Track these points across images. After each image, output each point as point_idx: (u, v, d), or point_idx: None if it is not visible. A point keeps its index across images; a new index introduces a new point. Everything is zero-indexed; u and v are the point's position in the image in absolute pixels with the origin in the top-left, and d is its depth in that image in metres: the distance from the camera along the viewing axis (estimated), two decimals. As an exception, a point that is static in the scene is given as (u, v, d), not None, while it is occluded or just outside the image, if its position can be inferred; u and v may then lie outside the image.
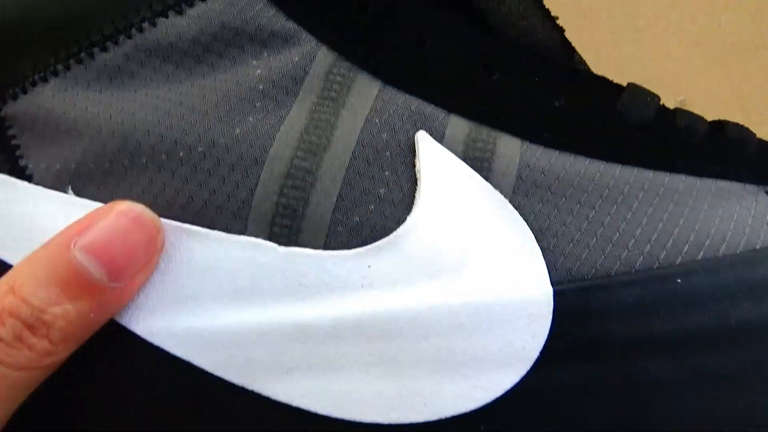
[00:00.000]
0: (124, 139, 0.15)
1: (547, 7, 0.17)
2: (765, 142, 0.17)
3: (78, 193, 0.16)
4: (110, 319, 0.15)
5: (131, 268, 0.14)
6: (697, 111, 0.28)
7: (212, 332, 0.15)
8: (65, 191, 0.16)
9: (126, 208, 0.14)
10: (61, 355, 0.14)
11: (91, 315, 0.14)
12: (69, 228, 0.14)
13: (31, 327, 0.13)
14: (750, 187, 0.16)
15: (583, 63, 0.17)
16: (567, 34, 0.26)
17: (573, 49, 0.17)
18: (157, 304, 0.15)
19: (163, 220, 0.15)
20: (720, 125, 0.17)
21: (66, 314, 0.13)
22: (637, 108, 0.16)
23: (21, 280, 0.13)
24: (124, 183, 0.15)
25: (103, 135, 0.15)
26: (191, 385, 0.15)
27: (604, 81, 0.17)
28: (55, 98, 0.16)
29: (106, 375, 0.15)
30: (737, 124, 0.17)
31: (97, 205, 0.15)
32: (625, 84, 0.17)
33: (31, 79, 0.16)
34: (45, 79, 0.16)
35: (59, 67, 0.16)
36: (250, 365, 0.15)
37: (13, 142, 0.16)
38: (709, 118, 0.28)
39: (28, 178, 0.16)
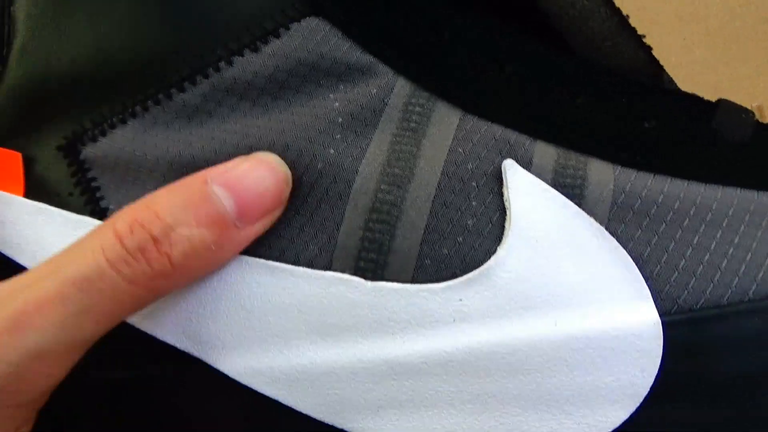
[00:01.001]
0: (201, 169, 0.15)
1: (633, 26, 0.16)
2: None
3: (160, 233, 0.15)
4: (197, 359, 0.15)
5: (257, 211, 0.14)
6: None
7: (300, 370, 0.14)
8: (148, 231, 0.15)
9: (264, 157, 0.15)
10: (173, 282, 0.14)
11: (212, 247, 0.14)
12: (209, 169, 0.15)
13: (156, 241, 0.13)
14: None
15: (672, 82, 0.17)
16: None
17: (661, 68, 0.16)
18: (243, 342, 0.15)
19: (248, 258, 0.15)
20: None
21: (191, 238, 0.14)
22: (733, 125, 0.16)
23: (157, 200, 0.14)
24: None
25: (180, 171, 0.15)
26: (280, 426, 0.15)
27: (695, 99, 0.16)
28: (134, 140, 0.16)
29: (193, 414, 0.15)
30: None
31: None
32: (710, 99, 0.17)
33: (110, 121, 0.16)
34: (124, 121, 0.16)
35: (138, 108, 0.16)
36: (341, 403, 0.14)
37: (94, 183, 0.16)
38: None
39: (110, 219, 0.16)
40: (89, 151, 0.16)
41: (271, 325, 0.14)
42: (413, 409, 0.14)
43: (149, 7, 0.16)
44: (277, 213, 0.15)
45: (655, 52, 0.26)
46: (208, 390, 0.15)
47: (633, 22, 0.27)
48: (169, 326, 0.15)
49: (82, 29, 0.17)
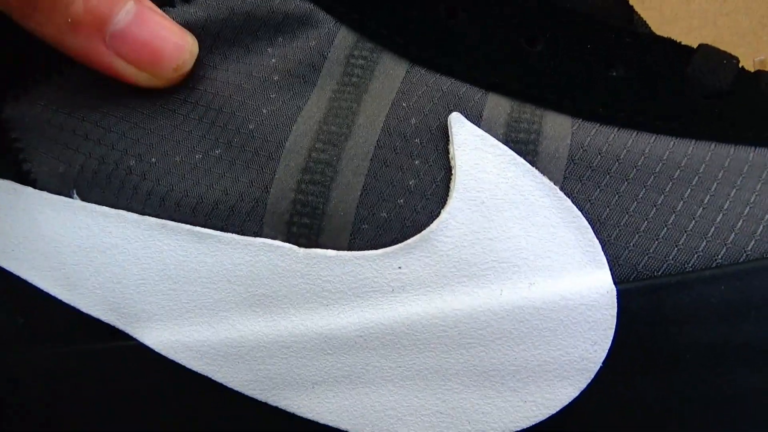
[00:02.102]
0: (133, 141, 0.14)
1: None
2: None
3: (83, 197, 0.14)
4: (121, 331, 0.14)
5: (138, 52, 0.14)
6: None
7: (230, 344, 0.13)
8: (71, 196, 0.14)
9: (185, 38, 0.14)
10: None
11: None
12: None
13: None
14: None
15: (645, 25, 0.15)
16: None
17: (632, 9, 0.15)
18: (169, 313, 0.14)
19: (172, 224, 0.14)
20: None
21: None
22: (710, 73, 0.14)
23: None
24: (128, 185, 0.14)
25: (108, 137, 0.14)
26: (211, 403, 0.14)
27: (670, 44, 0.15)
28: (55, 98, 0.15)
29: (121, 391, 0.14)
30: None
31: (104, 209, 0.14)
32: (695, 46, 0.15)
33: (30, 78, 0.15)
34: (48, 77, 0.15)
35: (62, 66, 0.15)
36: (273, 380, 0.13)
37: (16, 144, 0.15)
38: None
39: (32, 183, 0.15)
40: (10, 110, 0.15)
41: (198, 296, 0.13)
42: (350, 386, 0.13)
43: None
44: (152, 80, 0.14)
45: (649, 4, 0.25)
46: (135, 365, 0.14)
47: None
48: (91, 298, 0.14)
49: None
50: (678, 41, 0.15)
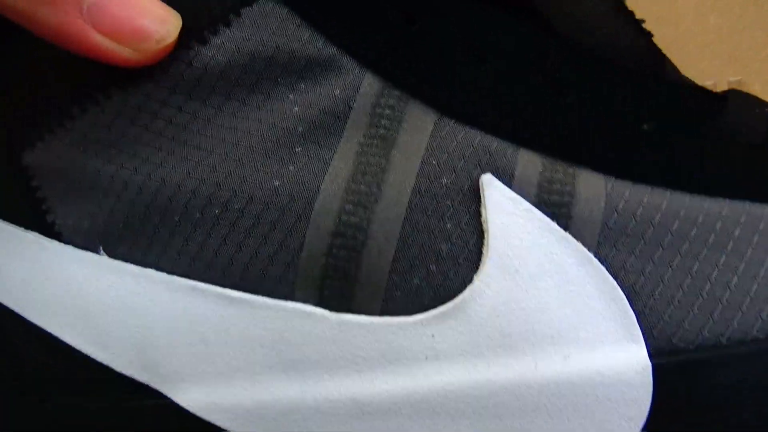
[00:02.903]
0: (154, 195, 0.14)
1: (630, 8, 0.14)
2: None
3: (110, 254, 0.14)
4: (157, 392, 0.14)
5: (115, 25, 0.13)
6: None
7: (265, 407, 0.13)
8: (97, 252, 0.14)
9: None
10: None
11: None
12: None
13: None
14: None
15: (676, 71, 0.14)
16: (645, 7, 0.23)
17: (663, 57, 0.14)
18: (203, 376, 0.14)
19: (203, 286, 0.13)
20: None
21: None
22: (744, 125, 0.14)
23: None
24: (157, 244, 0.14)
25: (130, 191, 0.14)
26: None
27: (701, 92, 0.14)
28: (75, 146, 0.14)
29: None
30: None
31: (132, 268, 0.14)
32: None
33: (47, 124, 0.15)
34: (61, 124, 0.15)
35: (75, 110, 0.14)
36: (306, 440, 0.14)
37: (38, 194, 0.15)
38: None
39: (58, 236, 0.15)
40: (28, 157, 0.15)
41: (231, 359, 0.13)
42: (383, 449, 0.13)
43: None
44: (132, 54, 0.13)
45: (666, 19, 0.24)
46: (169, 423, 0.14)
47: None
48: (123, 357, 0.14)
49: (12, 34, 0.15)
50: (708, 89, 0.14)
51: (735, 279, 0.12)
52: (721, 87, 0.24)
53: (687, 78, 0.15)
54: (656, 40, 0.24)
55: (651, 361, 0.12)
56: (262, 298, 0.13)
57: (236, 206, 0.13)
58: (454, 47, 0.14)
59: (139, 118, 0.14)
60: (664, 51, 0.25)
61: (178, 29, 0.13)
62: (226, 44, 0.14)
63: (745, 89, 0.24)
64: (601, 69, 0.14)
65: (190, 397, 0.14)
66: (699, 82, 0.24)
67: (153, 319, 0.14)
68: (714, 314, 0.12)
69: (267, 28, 0.14)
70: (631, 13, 0.14)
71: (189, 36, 0.14)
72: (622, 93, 0.14)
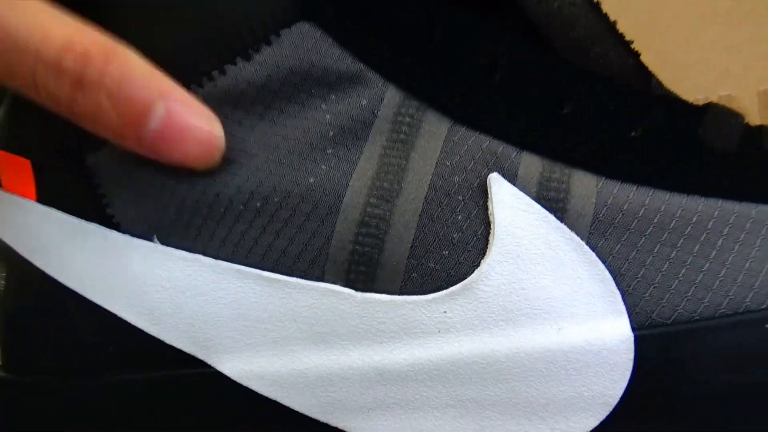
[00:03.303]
0: (203, 191, 0.16)
1: (620, 31, 0.16)
2: None
3: (163, 242, 0.16)
4: (202, 362, 0.16)
5: (172, 143, 0.15)
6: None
7: (296, 375, 0.15)
8: (152, 240, 0.16)
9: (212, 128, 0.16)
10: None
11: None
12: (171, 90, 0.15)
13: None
14: None
15: (661, 87, 0.17)
16: (641, 24, 0.25)
17: (650, 74, 0.16)
18: (243, 347, 0.16)
19: (245, 269, 0.16)
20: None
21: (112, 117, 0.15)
22: (720, 133, 0.16)
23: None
24: (204, 233, 0.16)
25: (182, 188, 0.16)
26: (279, 423, 0.16)
27: (683, 105, 0.16)
28: (131, 150, 0.17)
29: (198, 413, 0.16)
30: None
31: (183, 254, 0.16)
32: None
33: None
34: None
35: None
36: (333, 405, 0.15)
37: (99, 191, 0.17)
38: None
39: (116, 226, 0.17)
40: (92, 158, 0.17)
41: (268, 332, 0.15)
42: (400, 412, 0.15)
43: (142, 18, 0.16)
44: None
45: (664, 34, 0.26)
46: (213, 390, 0.16)
47: (644, 5, 0.26)
48: (174, 332, 0.16)
49: None
50: (690, 103, 0.16)
51: (707, 264, 0.14)
52: (712, 100, 0.26)
53: (671, 92, 0.17)
54: (652, 55, 0.26)
55: (633, 333, 0.14)
56: (296, 279, 0.15)
57: (275, 200, 0.15)
58: (465, 63, 0.16)
59: (190, 125, 0.16)
60: (660, 66, 0.27)
61: (223, 141, 0.16)
62: (268, 60, 0.16)
63: (735, 104, 0.26)
64: (595, 84, 0.16)
65: (231, 366, 0.16)
66: (691, 96, 0.26)
67: (201, 298, 0.16)
68: (688, 294, 0.14)
69: (303, 47, 0.16)
70: (622, 36, 0.16)
71: (235, 53, 0.16)
72: (613, 105, 0.16)
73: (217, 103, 0.16)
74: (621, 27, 0.26)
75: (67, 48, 0.15)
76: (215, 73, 0.16)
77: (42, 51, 0.15)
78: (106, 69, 0.15)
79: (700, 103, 0.24)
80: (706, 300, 0.14)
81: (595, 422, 0.14)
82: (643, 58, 0.27)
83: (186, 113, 0.15)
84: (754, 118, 0.26)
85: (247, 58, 0.16)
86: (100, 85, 0.15)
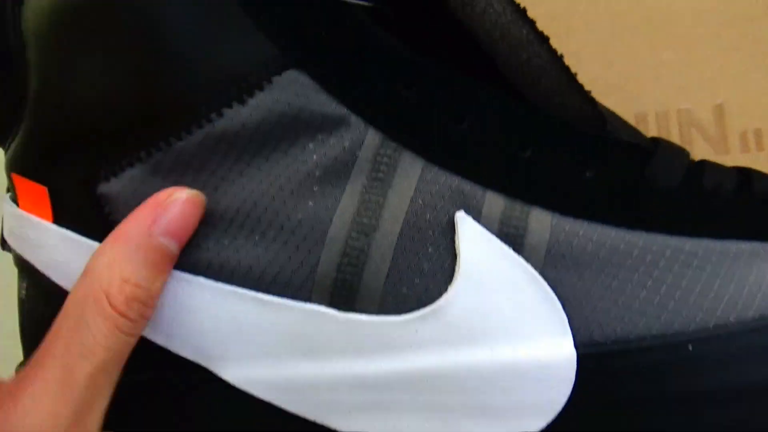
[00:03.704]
0: (205, 224, 0.18)
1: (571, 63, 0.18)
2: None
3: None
4: (204, 367, 0.18)
5: (188, 237, 0.18)
6: (735, 115, 0.28)
7: (289, 381, 0.18)
8: (159, 264, 0.18)
9: (190, 196, 0.18)
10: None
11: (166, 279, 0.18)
12: (142, 216, 0.18)
13: (145, 304, 0.17)
14: (771, 246, 0.17)
15: (617, 130, 0.19)
16: (605, 44, 0.27)
17: (605, 120, 0.18)
18: (240, 357, 0.18)
19: (241, 291, 0.18)
20: (748, 178, 0.18)
21: (161, 285, 0.18)
22: (665, 171, 0.18)
23: (126, 269, 0.17)
24: (203, 261, 0.18)
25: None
26: (274, 423, 0.18)
27: (635, 147, 0.18)
28: (142, 182, 0.18)
29: (199, 413, 0.19)
30: (765, 177, 0.18)
31: (187, 276, 0.18)
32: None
33: (120, 164, 0.19)
34: (131, 164, 0.19)
35: (142, 153, 0.18)
36: (320, 407, 0.18)
37: (110, 217, 0.19)
38: (748, 121, 0.28)
39: (126, 250, 0.19)
40: (104, 188, 0.19)
41: (263, 345, 0.18)
42: (378, 414, 0.17)
43: (149, 63, 0.18)
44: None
45: (624, 54, 0.28)
46: (213, 393, 0.18)
47: (609, 25, 0.28)
48: (179, 341, 0.18)
49: (87, 77, 0.18)
50: (643, 144, 0.18)
51: (643, 293, 0.17)
52: (672, 115, 0.28)
53: (624, 136, 0.19)
54: (616, 73, 0.28)
55: (576, 351, 0.16)
56: (286, 300, 0.17)
57: (271, 233, 0.18)
58: (439, 109, 0.18)
59: (192, 163, 0.18)
60: (624, 82, 0.29)
61: None
62: (261, 104, 0.18)
63: (693, 116, 0.28)
64: (554, 129, 0.18)
65: (231, 374, 0.18)
66: (653, 109, 0.28)
67: (203, 316, 0.18)
68: (625, 318, 0.16)
69: (292, 92, 0.18)
70: (581, 86, 0.18)
71: (231, 98, 0.18)
72: (570, 148, 0.18)
73: (214, 143, 0.18)
74: (587, 48, 0.28)
75: None
76: (213, 115, 0.18)
77: None
78: None
79: (660, 115, 0.26)
80: (640, 324, 0.16)
81: (543, 423, 0.16)
82: (608, 76, 0.29)
83: (175, 216, 0.18)
84: (710, 129, 0.28)
85: (242, 102, 0.18)
86: None
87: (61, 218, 0.20)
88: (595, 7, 0.28)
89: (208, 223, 0.18)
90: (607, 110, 0.19)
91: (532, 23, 0.17)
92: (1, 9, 0.19)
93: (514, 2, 0.17)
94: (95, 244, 0.19)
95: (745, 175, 0.18)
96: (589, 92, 0.18)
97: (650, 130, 0.28)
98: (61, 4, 0.18)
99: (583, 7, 0.28)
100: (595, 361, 0.16)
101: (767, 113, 0.28)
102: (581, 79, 0.29)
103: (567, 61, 0.19)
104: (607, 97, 0.30)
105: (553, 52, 0.18)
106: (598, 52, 0.28)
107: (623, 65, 0.28)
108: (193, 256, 0.18)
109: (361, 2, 0.19)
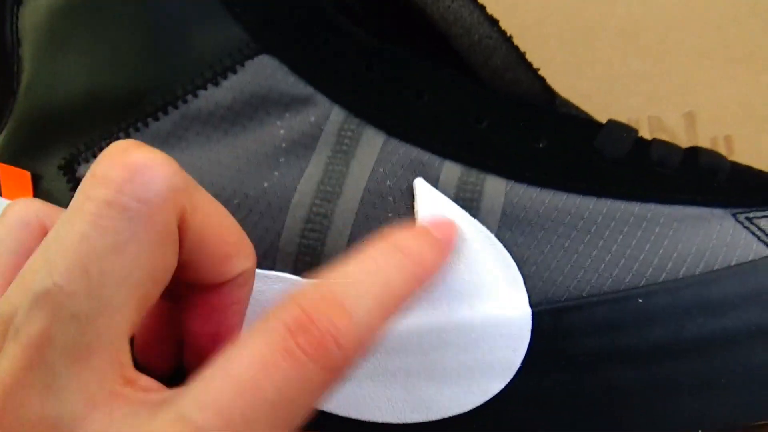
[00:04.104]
0: None
1: (530, 54, 0.19)
2: (737, 166, 0.19)
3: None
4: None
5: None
6: (705, 122, 0.29)
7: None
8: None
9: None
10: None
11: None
12: (398, 243, 0.15)
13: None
14: (717, 211, 0.18)
15: (565, 106, 0.19)
16: (577, 53, 0.28)
17: (555, 94, 0.19)
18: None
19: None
20: (694, 153, 0.19)
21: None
22: (612, 144, 0.18)
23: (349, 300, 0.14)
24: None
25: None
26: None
27: (584, 121, 0.19)
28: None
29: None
30: (711, 152, 0.19)
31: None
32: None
33: (99, 145, 0.20)
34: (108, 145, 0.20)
35: (121, 134, 0.20)
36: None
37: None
38: (718, 128, 0.29)
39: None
40: (83, 170, 0.20)
41: (230, 314, 0.18)
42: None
43: (129, 50, 0.19)
44: None
45: (596, 64, 0.29)
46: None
47: (576, 36, 0.29)
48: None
49: (73, 69, 0.20)
50: (591, 118, 0.19)
51: (595, 252, 0.17)
52: (642, 121, 0.29)
53: (572, 110, 0.20)
54: (588, 82, 0.29)
55: (531, 309, 0.17)
56: (253, 268, 0.18)
57: (235, 201, 0.18)
58: (399, 86, 0.19)
59: (168, 141, 0.19)
60: (595, 91, 0.30)
61: None
62: (233, 86, 0.19)
63: (664, 123, 0.29)
64: (508, 103, 0.19)
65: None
66: (625, 117, 0.29)
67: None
68: (578, 276, 0.17)
69: (263, 75, 0.19)
70: (530, 64, 0.19)
71: (206, 81, 0.19)
72: (523, 120, 0.19)
73: (189, 122, 0.19)
74: (560, 58, 0.29)
75: None
76: (189, 96, 0.19)
77: None
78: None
79: (632, 123, 0.27)
80: (593, 281, 0.17)
81: (501, 384, 0.17)
82: (580, 85, 0.30)
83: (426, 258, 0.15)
84: (680, 136, 0.29)
85: (216, 84, 0.19)
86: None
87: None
88: (566, 19, 0.30)
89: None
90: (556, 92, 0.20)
91: (482, 7, 0.19)
92: (1, 8, 0.21)
93: (466, -13, 0.19)
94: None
95: (691, 150, 0.19)
96: (538, 69, 0.19)
97: (622, 138, 0.29)
98: (55, 2, 0.20)
99: (556, 18, 0.30)
100: (549, 318, 0.16)
101: (737, 119, 0.29)
102: (554, 88, 0.30)
103: (540, 70, 0.20)
104: (579, 106, 0.31)
105: (503, 32, 0.19)
106: (570, 62, 0.30)
107: (595, 74, 0.29)
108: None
109: (328, -5, 0.20)
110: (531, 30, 0.30)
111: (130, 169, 0.13)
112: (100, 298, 0.12)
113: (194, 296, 0.15)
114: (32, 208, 0.16)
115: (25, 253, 0.15)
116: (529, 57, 0.29)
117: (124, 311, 0.13)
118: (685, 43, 0.29)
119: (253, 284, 0.16)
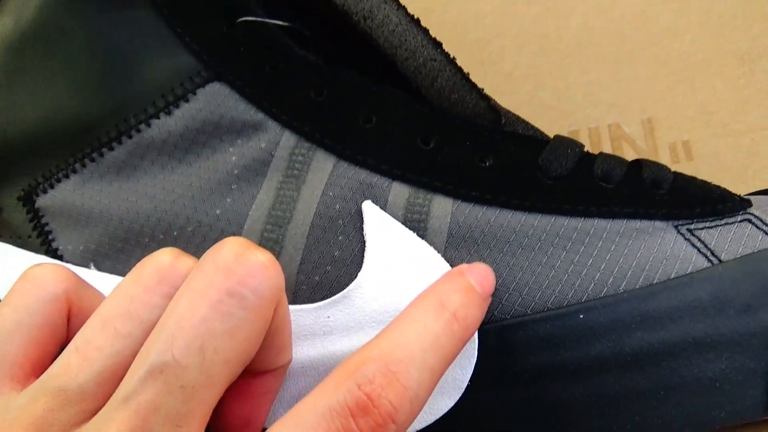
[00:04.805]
0: (130, 224, 0.19)
1: (471, 72, 0.19)
2: (681, 177, 0.20)
3: (99, 268, 0.19)
4: None
5: None
6: (663, 128, 0.30)
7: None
8: (89, 267, 0.19)
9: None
10: None
11: None
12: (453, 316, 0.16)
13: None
14: (659, 224, 0.18)
15: (512, 124, 0.20)
16: (536, 65, 0.29)
17: (500, 114, 0.20)
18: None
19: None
20: (638, 166, 0.20)
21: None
22: (557, 160, 0.19)
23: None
24: (132, 259, 0.19)
25: (114, 222, 0.19)
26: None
27: (530, 138, 0.19)
28: (75, 192, 0.20)
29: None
30: (655, 164, 0.20)
31: (115, 278, 0.19)
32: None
33: (56, 176, 0.20)
34: (66, 176, 0.20)
35: (77, 165, 0.20)
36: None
37: (46, 228, 0.20)
38: (676, 133, 0.30)
39: (60, 258, 0.20)
40: (42, 201, 0.20)
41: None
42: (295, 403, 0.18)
43: (81, 80, 0.20)
44: None
45: (555, 74, 0.30)
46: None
47: (535, 48, 0.30)
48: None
49: (27, 101, 0.20)
50: (537, 136, 0.20)
51: (539, 269, 0.17)
52: (603, 130, 0.30)
53: (519, 127, 0.20)
54: (548, 91, 0.30)
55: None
56: (208, 294, 0.18)
57: (189, 229, 0.19)
58: (349, 110, 0.19)
59: (123, 171, 0.20)
60: (555, 100, 0.30)
61: None
62: (186, 114, 0.19)
63: (623, 131, 0.30)
64: (454, 124, 0.19)
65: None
66: (585, 125, 0.30)
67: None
68: (523, 293, 0.17)
69: (215, 102, 0.19)
70: (475, 84, 0.20)
71: (159, 110, 0.20)
72: (469, 140, 0.19)
73: (143, 151, 0.20)
74: (520, 70, 0.30)
75: None
76: (143, 126, 0.20)
77: None
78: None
79: (592, 131, 0.27)
80: (536, 298, 0.17)
81: (451, 402, 0.17)
82: (541, 95, 0.30)
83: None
84: (640, 142, 0.30)
85: (169, 113, 0.20)
86: None
87: (2, 232, 0.21)
88: (525, 32, 0.30)
89: (134, 226, 0.19)
90: (505, 109, 0.20)
91: (425, 31, 0.19)
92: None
93: (408, 13, 0.19)
94: (32, 256, 0.20)
95: (635, 163, 0.20)
96: (482, 89, 0.20)
97: (583, 146, 0.29)
98: (10, 34, 0.20)
99: (515, 31, 0.30)
100: (495, 336, 0.17)
101: (695, 125, 0.29)
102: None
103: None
104: (540, 116, 0.31)
105: (446, 54, 0.19)
106: (530, 74, 0.30)
107: (555, 85, 0.30)
108: (120, 256, 0.19)
109: (277, 22, 0.21)
110: (491, 43, 0.30)
111: (251, 266, 0.15)
112: (209, 374, 0.14)
113: (241, 379, 0.16)
114: (60, 279, 0.16)
115: (50, 330, 0.16)
116: (489, 69, 0.30)
117: (223, 385, 0.14)
118: (641, 51, 0.30)
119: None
